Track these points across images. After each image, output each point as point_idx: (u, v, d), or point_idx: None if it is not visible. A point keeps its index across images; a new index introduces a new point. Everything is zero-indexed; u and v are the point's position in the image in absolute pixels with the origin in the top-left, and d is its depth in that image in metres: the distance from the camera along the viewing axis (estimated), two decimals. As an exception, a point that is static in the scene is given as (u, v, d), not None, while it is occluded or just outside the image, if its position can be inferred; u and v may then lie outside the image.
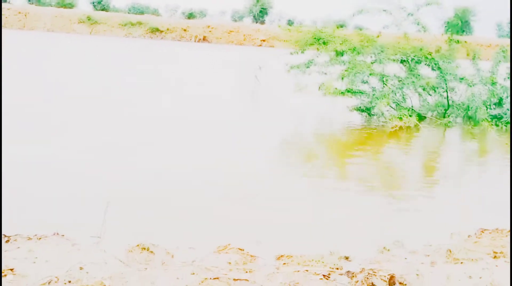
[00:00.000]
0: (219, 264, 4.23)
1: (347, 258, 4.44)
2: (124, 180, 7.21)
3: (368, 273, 3.92)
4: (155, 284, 3.66)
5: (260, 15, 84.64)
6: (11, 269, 3.66)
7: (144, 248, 4.36)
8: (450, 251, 4.57)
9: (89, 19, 53.24)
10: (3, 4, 56.53)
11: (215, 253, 4.56)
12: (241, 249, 4.71)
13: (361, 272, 4.00)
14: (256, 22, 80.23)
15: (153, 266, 4.06)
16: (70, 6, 75.94)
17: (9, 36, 37.70)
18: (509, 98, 12.80)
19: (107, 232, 4.65)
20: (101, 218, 4.85)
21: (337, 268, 4.19)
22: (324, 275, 4.06)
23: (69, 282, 3.55)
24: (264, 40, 55.06)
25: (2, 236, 4.42)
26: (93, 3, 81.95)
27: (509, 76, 14.12)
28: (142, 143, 10.09)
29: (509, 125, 12.44)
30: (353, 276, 4.02)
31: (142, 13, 71.47)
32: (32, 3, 75.94)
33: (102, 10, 73.80)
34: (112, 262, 4.04)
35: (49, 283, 3.48)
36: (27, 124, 10.79)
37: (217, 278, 3.88)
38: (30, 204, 6.01)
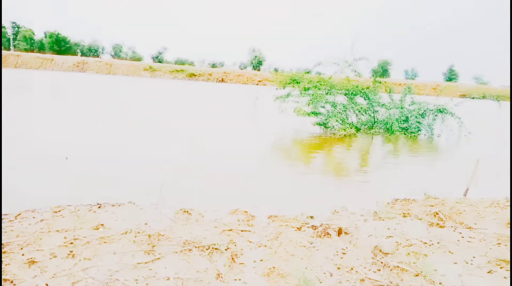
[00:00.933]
0: (232, 221, 4.28)
1: (312, 217, 4.48)
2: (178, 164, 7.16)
3: (325, 226, 3.94)
4: (192, 233, 3.66)
5: (257, 65, 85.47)
6: (102, 224, 3.65)
7: (186, 211, 4.42)
8: (376, 213, 4.60)
9: (150, 68, 53.36)
10: (97, 58, 56.42)
11: (229, 214, 4.61)
12: (245, 212, 4.69)
13: (320, 226, 4.03)
14: (255, 69, 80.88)
15: (191, 223, 4.11)
16: (139, 59, 76.44)
17: (101, 79, 37.77)
18: (412, 117, 12.96)
19: (162, 200, 4.61)
20: (158, 192, 4.83)
21: (306, 224, 4.21)
22: (297, 228, 4.08)
23: (138, 232, 3.58)
24: (260, 81, 55.02)
25: (97, 204, 4.37)
26: (153, 57, 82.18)
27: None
28: (192, 139, 10.19)
29: (413, 134, 12.53)
30: (315, 228, 4.05)
31: (183, 63, 71.99)
32: (115, 58, 76.02)
33: (159, 62, 74.32)
34: (165, 220, 4.09)
35: (125, 233, 3.52)
36: (132, 134, 10.73)
37: (231, 230, 3.92)
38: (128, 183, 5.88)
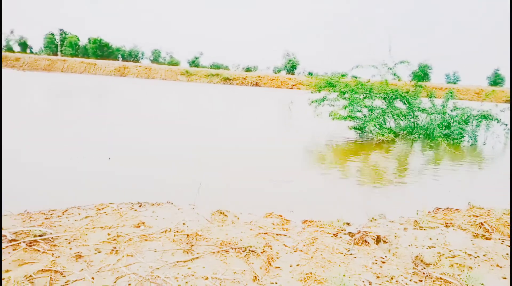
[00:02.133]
0: (267, 224, 4.29)
1: (348, 223, 4.38)
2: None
3: (363, 234, 3.84)
4: (228, 235, 3.70)
5: (291, 69, 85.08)
6: (143, 223, 3.78)
7: (221, 212, 4.46)
8: (416, 222, 4.42)
9: (187, 72, 54.72)
10: (137, 63, 58.64)
11: (264, 217, 4.61)
12: (280, 215, 4.68)
13: (358, 233, 3.94)
14: (288, 73, 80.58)
15: (226, 224, 4.15)
16: (176, 64, 78.91)
17: (140, 83, 39.22)
18: (455, 123, 12.37)
19: (199, 202, 4.70)
20: (195, 194, 4.94)
21: (342, 230, 4.13)
22: (333, 234, 4.00)
23: (176, 232, 3.64)
24: (294, 85, 54.78)
25: (137, 203, 4.53)
26: (189, 62, 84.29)
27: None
28: (227, 142, 10.39)
29: (455, 141, 11.95)
30: (352, 235, 3.96)
31: (218, 68, 73.39)
32: (153, 62, 78.75)
33: (195, 66, 76.20)
34: (202, 220, 4.16)
35: (165, 231, 3.61)
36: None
37: (266, 233, 3.92)
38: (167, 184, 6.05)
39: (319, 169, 8.47)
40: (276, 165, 8.25)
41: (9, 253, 3.02)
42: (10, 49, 78.48)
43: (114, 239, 3.40)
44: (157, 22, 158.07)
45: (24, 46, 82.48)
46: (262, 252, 3.36)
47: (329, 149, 10.93)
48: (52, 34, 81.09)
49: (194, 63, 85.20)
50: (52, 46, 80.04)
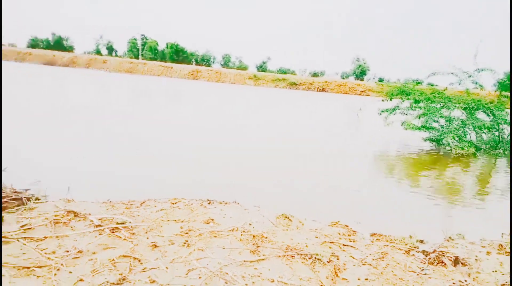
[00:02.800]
0: (332, 233, 4.17)
1: (421, 241, 4.07)
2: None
3: (439, 253, 3.54)
4: (293, 240, 3.69)
5: (361, 74, 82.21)
6: (212, 219, 3.91)
7: (286, 217, 4.44)
8: (502, 246, 3.96)
9: (255, 77, 55.73)
10: (209, 67, 61.30)
11: (329, 226, 4.50)
12: (346, 225, 4.53)
13: (433, 252, 3.64)
14: (357, 79, 77.90)
15: (291, 229, 4.13)
16: (244, 68, 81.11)
17: (212, 87, 40.90)
18: None
19: (264, 204, 4.74)
20: (260, 196, 4.98)
21: (415, 247, 3.86)
22: (405, 251, 3.76)
23: (243, 231, 3.71)
24: (363, 91, 52.84)
25: (207, 200, 4.71)
26: (257, 67, 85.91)
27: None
28: (294, 149, 10.35)
29: None
30: (427, 254, 3.69)
31: (285, 73, 73.68)
32: (224, 67, 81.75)
33: (262, 71, 77.42)
34: (267, 223, 4.19)
35: (232, 230, 3.70)
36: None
37: (332, 242, 3.81)
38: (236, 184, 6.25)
39: (389, 180, 8.04)
40: (343, 173, 8.03)
41: (95, 237, 3.34)
42: (98, 52, 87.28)
43: (186, 233, 3.57)
44: (228, 28, 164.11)
45: (110, 50, 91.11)
46: (328, 262, 3.28)
47: (400, 159, 10.33)
48: (135, 39, 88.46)
49: (261, 68, 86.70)
50: (134, 50, 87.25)
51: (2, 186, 4.78)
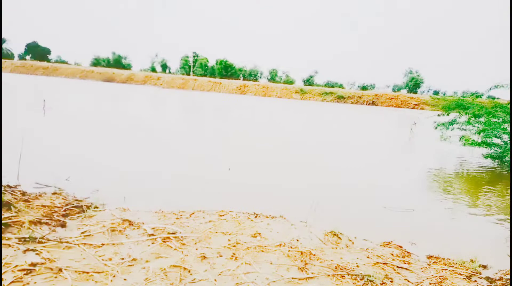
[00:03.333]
0: (385, 254, 3.96)
1: (484, 266, 3.72)
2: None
3: (505, 282, 3.20)
4: (343, 259, 3.54)
5: (414, 87, 78.65)
6: (259, 233, 3.90)
7: (335, 234, 4.31)
8: None
9: (301, 90, 55.70)
10: (256, 82, 62.26)
11: (381, 246, 4.28)
12: (400, 246, 4.28)
13: (499, 279, 3.30)
14: (410, 92, 74.67)
15: (341, 247, 3.98)
16: (291, 82, 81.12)
17: (259, 100, 41.43)
18: None
19: (311, 220, 4.63)
20: (308, 211, 4.88)
21: (477, 273, 3.54)
22: (466, 276, 3.46)
23: (291, 247, 3.64)
24: (416, 105, 50.54)
25: (253, 213, 4.70)
26: (304, 81, 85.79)
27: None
28: (342, 164, 10.14)
29: None
30: (492, 281, 3.36)
31: (332, 86, 72.43)
32: (270, 81, 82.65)
33: (309, 85, 76.93)
34: (315, 240, 4.08)
35: (279, 245, 3.65)
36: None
37: (386, 263, 3.61)
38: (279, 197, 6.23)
39: (445, 199, 7.51)
40: (396, 190, 7.65)
41: (148, 245, 3.47)
42: (153, 70, 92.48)
43: (234, 246, 3.59)
44: (275, 44, 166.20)
45: (164, 67, 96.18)
46: (381, 284, 3.10)
47: (459, 177, 9.63)
48: (187, 57, 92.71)
49: (308, 82, 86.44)
50: (186, 67, 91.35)
51: (66, 194, 5.16)
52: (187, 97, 39.05)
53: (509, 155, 10.12)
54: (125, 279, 2.77)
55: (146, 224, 4.05)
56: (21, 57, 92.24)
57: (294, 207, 5.86)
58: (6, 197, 4.28)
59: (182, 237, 3.77)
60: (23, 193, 4.84)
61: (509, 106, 11.33)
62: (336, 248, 4.02)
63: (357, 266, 3.47)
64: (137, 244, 3.48)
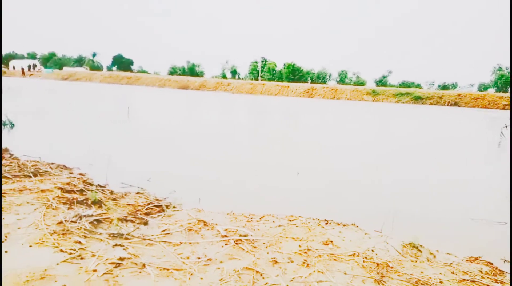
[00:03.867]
0: (472, 270, 3.59)
1: None
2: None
3: None
4: (424, 274, 3.29)
5: (504, 85, 70.30)
6: (331, 241, 3.81)
7: (414, 246, 4.02)
8: None
9: (373, 92, 53.24)
10: (324, 84, 61.04)
11: (467, 261, 3.87)
12: (490, 263, 3.85)
13: None
14: (499, 91, 66.93)
15: (421, 260, 3.72)
16: (362, 84, 78.12)
17: (328, 103, 40.47)
18: None
19: (388, 230, 4.37)
20: (383, 220, 4.63)
21: None
22: None
23: (365, 258, 3.48)
24: (506, 105, 45.17)
25: (324, 220, 4.60)
26: (376, 81, 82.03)
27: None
28: (421, 170, 9.44)
29: None
30: None
31: (408, 86, 67.96)
32: (339, 83, 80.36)
33: (382, 85, 73.20)
34: (392, 251, 3.86)
35: (353, 255, 3.52)
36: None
37: (474, 281, 3.28)
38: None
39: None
40: (486, 200, 6.90)
41: (222, 246, 3.59)
42: (224, 76, 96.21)
43: (305, 252, 3.54)
44: (342, 45, 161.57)
45: (234, 73, 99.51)
46: (470, 304, 2.81)
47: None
48: (256, 62, 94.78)
49: (381, 82, 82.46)
50: (254, 73, 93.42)
51: (148, 193, 5.58)
52: (255, 101, 39.84)
53: None
54: (201, 278, 2.89)
55: (219, 225, 4.20)
56: (109, 69, 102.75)
57: (368, 215, 5.61)
58: (97, 195, 4.77)
59: (253, 240, 3.83)
60: (111, 192, 5.35)
61: None
62: (416, 261, 3.74)
63: (441, 282, 3.19)
64: (211, 244, 3.62)
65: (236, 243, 3.68)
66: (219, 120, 19.27)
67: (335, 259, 3.45)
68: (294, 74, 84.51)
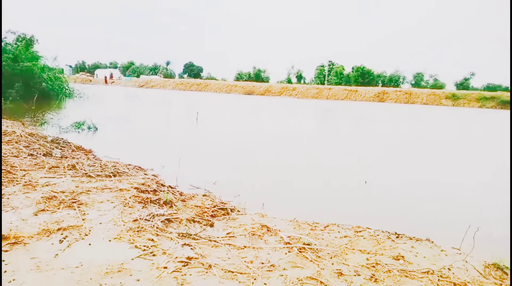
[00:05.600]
0: None
1: None
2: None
3: None
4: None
5: None
6: (402, 256, 3.61)
7: (499, 267, 3.62)
8: None
9: (453, 96, 49.11)
10: (397, 88, 57.89)
11: None
12: None
13: None
14: None
15: (506, 284, 3.28)
16: (440, 87, 72.51)
17: (400, 108, 38.20)
18: None
19: (468, 247, 4.00)
20: (463, 234, 4.25)
21: None
22: None
23: (441, 276, 3.28)
24: None
25: (394, 233, 4.37)
26: (456, 84, 75.66)
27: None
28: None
29: None
30: None
31: (495, 90, 61.28)
32: (414, 87, 75.75)
33: (463, 89, 67.22)
34: (472, 271, 3.52)
35: (427, 272, 3.30)
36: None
37: None
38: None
39: None
40: None
41: (285, 253, 3.60)
42: (289, 81, 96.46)
43: (373, 266, 3.40)
44: (421, 45, 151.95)
45: (299, 78, 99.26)
46: None
47: None
48: (322, 66, 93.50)
49: (462, 86, 75.90)
50: (321, 77, 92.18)
51: (213, 196, 5.81)
52: (321, 106, 39.25)
53: None
54: (265, 284, 2.94)
55: (282, 232, 4.21)
56: (181, 76, 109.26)
57: (444, 229, 5.21)
58: (169, 196, 5.10)
59: (317, 249, 3.78)
60: (181, 194, 5.68)
61: None
62: (501, 284, 3.38)
63: (533, 312, 2.84)
64: (274, 251, 3.65)
65: (300, 251, 3.66)
66: (284, 126, 19.35)
67: (406, 276, 3.25)
68: (363, 78, 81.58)
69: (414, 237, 4.49)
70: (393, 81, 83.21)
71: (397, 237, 4.44)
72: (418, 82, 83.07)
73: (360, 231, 4.58)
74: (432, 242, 4.40)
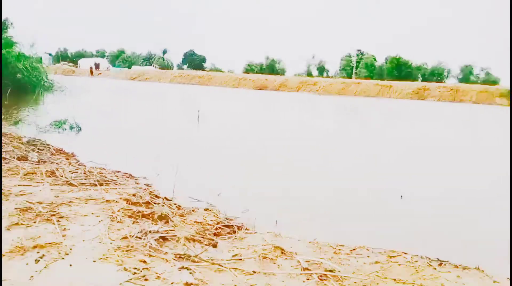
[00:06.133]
0: None
1: None
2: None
3: None
4: None
5: None
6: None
7: None
8: None
9: (510, 93, 48.17)
10: (440, 83, 57.30)
11: None
12: None
13: None
14: None
15: None
16: (494, 82, 71.35)
17: (446, 107, 38.01)
18: None
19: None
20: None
21: None
22: None
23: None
24: None
25: (436, 260, 4.33)
26: (514, 80, 74.53)
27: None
28: None
29: None
30: None
31: None
32: (462, 82, 74.86)
33: (522, 85, 66.06)
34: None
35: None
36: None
37: None
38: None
39: None
40: None
41: (303, 281, 3.59)
42: (309, 74, 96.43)
43: (410, 299, 3.37)
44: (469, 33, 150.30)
45: (321, 70, 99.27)
46: None
47: None
48: (349, 56, 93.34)
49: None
50: (347, 69, 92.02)
51: (217, 210, 5.84)
52: (348, 105, 39.11)
53: None
54: (278, 317, 2.94)
55: (300, 256, 4.21)
56: (179, 67, 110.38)
57: (497, 256, 5.13)
58: (164, 210, 5.15)
59: (341, 277, 3.76)
60: (179, 207, 5.72)
61: None
62: None
63: None
64: (290, 277, 3.65)
65: (321, 279, 3.65)
66: (302, 127, 19.34)
67: (450, 312, 3.22)
68: (399, 71, 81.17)
69: (460, 265, 4.44)
70: (435, 75, 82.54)
71: (440, 264, 4.40)
72: (466, 76, 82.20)
73: (394, 256, 4.55)
74: (483, 271, 4.35)
